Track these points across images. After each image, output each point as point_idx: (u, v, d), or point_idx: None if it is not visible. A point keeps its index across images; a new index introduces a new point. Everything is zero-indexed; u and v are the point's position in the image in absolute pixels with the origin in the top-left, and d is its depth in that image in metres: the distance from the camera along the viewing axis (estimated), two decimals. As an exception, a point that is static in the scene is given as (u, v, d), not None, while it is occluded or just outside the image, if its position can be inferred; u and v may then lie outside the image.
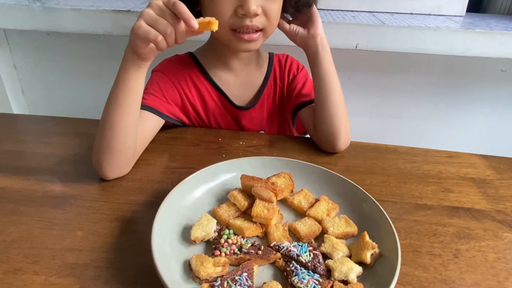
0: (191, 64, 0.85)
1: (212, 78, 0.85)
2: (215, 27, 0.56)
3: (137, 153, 0.70)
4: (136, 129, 0.66)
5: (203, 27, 0.56)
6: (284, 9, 0.78)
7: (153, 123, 0.76)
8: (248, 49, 0.77)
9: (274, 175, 0.63)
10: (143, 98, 0.77)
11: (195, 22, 0.54)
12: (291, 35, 0.81)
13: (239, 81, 0.87)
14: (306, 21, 0.78)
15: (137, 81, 0.62)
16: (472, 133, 1.36)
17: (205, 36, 0.78)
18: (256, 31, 0.73)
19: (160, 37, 0.55)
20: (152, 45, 0.57)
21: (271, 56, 0.92)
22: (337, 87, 0.78)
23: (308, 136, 0.97)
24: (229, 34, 0.73)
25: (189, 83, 0.83)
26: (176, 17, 0.54)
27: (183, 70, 0.83)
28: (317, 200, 0.60)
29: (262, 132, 0.92)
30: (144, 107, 0.75)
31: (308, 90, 0.88)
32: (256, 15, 0.70)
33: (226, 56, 0.83)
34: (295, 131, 0.99)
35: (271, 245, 0.51)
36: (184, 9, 0.54)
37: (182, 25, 0.55)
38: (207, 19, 0.56)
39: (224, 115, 0.88)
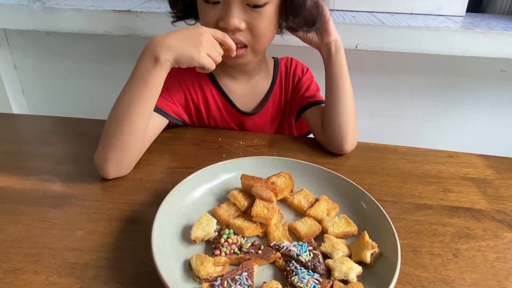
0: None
1: (219, 83, 0.85)
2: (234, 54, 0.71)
3: (141, 153, 0.71)
4: (148, 121, 0.68)
5: None
6: (282, 27, 0.77)
7: (157, 123, 0.76)
8: (236, 63, 0.77)
9: (274, 175, 0.63)
10: None
11: (234, 53, 0.70)
12: (305, 40, 0.81)
13: (245, 90, 0.87)
14: (319, 28, 0.78)
15: (163, 80, 0.66)
16: (472, 133, 1.36)
17: None
18: (242, 47, 0.72)
19: (213, 66, 0.66)
20: None
21: (276, 61, 0.91)
22: (348, 90, 0.78)
23: (308, 136, 0.97)
24: None
25: (195, 85, 0.83)
26: (221, 46, 0.67)
27: (190, 72, 0.81)
28: (317, 200, 0.60)
29: None
30: None
31: (312, 92, 0.88)
32: (238, 30, 0.69)
33: (229, 67, 0.83)
34: (295, 133, 0.98)
35: (271, 244, 0.51)
36: (231, 40, 0.68)
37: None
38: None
39: (227, 120, 0.88)
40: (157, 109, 0.75)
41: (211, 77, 0.85)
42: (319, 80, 0.90)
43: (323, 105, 0.84)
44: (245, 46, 0.73)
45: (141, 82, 0.64)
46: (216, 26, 0.70)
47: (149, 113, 0.67)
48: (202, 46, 0.63)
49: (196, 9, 0.75)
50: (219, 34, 0.66)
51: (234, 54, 0.69)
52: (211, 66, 0.65)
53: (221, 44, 0.67)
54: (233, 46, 0.68)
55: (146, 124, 0.67)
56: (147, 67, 0.63)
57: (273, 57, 0.93)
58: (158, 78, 0.64)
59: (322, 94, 0.88)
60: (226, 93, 0.85)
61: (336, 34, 0.78)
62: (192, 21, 0.82)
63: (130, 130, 0.64)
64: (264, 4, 0.68)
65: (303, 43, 0.82)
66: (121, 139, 0.64)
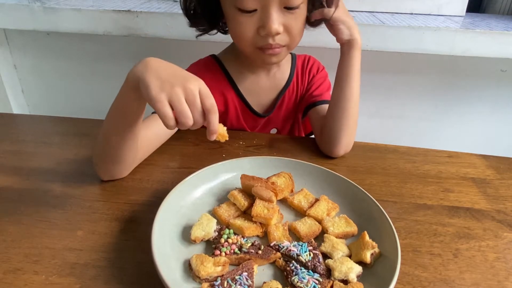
0: (218, 72, 0.84)
1: (238, 86, 0.85)
2: (223, 140, 0.55)
3: (139, 159, 0.70)
4: (136, 144, 0.64)
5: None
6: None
7: (166, 130, 0.74)
8: (272, 62, 0.77)
9: (274, 175, 0.63)
10: None
11: (214, 137, 0.52)
12: (331, 31, 0.79)
13: (264, 87, 0.87)
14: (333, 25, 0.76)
15: (139, 106, 0.57)
16: (472, 133, 1.36)
17: (228, 38, 0.78)
18: (278, 46, 0.72)
19: (172, 124, 0.49)
20: None
21: (293, 57, 0.91)
22: (351, 96, 0.76)
23: (308, 136, 0.97)
24: (254, 52, 0.73)
25: (215, 92, 0.81)
26: (203, 117, 0.50)
27: (211, 79, 0.77)
28: (317, 200, 0.60)
29: (274, 130, 0.92)
30: None
31: (321, 91, 0.88)
32: (278, 33, 0.69)
33: (252, 64, 0.83)
34: (302, 130, 0.98)
35: (271, 244, 0.51)
36: (216, 121, 0.51)
37: (202, 124, 0.52)
38: (221, 131, 0.54)
39: (241, 122, 0.88)
40: None
41: (230, 80, 0.84)
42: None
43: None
44: (283, 46, 0.72)
45: (115, 105, 0.59)
46: (255, 35, 0.70)
47: (125, 134, 0.60)
48: (171, 89, 0.48)
49: (218, 19, 0.75)
50: (208, 102, 0.50)
51: (211, 138, 0.52)
52: (165, 119, 0.49)
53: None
54: (214, 129, 0.51)
55: (130, 142, 0.61)
56: (121, 91, 0.57)
57: (290, 53, 0.91)
58: (121, 91, 0.57)
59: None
60: (244, 95, 0.85)
61: (348, 35, 0.75)
62: (213, 32, 0.81)
63: (110, 146, 0.61)
64: (299, 5, 0.68)
65: (312, 44, 0.81)
66: (104, 151, 0.63)
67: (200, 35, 0.81)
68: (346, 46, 0.76)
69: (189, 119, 0.49)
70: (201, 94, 0.50)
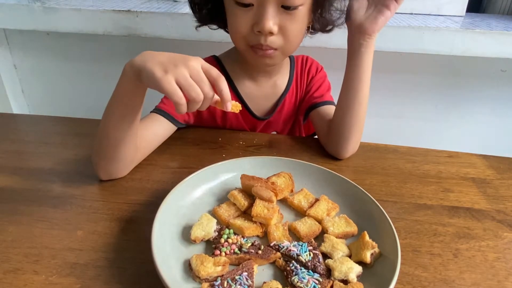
0: None
1: (238, 89, 0.84)
2: (237, 110, 0.57)
3: (138, 159, 0.70)
4: (135, 140, 0.64)
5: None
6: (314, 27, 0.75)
7: (166, 130, 0.75)
8: (266, 64, 0.76)
9: (274, 175, 0.63)
10: (161, 102, 0.77)
11: (230, 105, 0.53)
12: (351, 17, 0.70)
13: (264, 92, 0.86)
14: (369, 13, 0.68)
15: (137, 98, 0.58)
16: (472, 133, 1.36)
17: (228, 38, 0.77)
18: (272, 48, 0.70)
19: (183, 102, 0.50)
20: None
21: (291, 59, 0.90)
22: (363, 100, 0.74)
23: (308, 136, 0.97)
24: (246, 49, 0.72)
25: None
26: (213, 88, 0.52)
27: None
28: (317, 200, 0.60)
29: (274, 133, 0.92)
30: (160, 112, 0.75)
31: (322, 92, 0.87)
32: (271, 33, 0.67)
33: (252, 68, 0.82)
34: (303, 132, 0.98)
35: (271, 244, 0.51)
36: (227, 88, 0.52)
37: (212, 98, 0.53)
38: (234, 103, 0.55)
39: (241, 124, 0.88)
40: (168, 116, 0.75)
41: (230, 82, 0.83)
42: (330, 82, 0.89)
43: (330, 106, 0.83)
44: (275, 49, 0.71)
45: (114, 96, 0.59)
46: (249, 31, 0.69)
47: (124, 127, 0.60)
48: (174, 69, 0.50)
49: (221, 13, 0.75)
50: (214, 72, 0.52)
51: (228, 108, 0.53)
52: (176, 97, 0.49)
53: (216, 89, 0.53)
54: (228, 96, 0.53)
55: (129, 137, 0.62)
56: (119, 82, 0.58)
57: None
58: (120, 84, 0.57)
59: (333, 93, 0.88)
60: (244, 98, 0.84)
61: (377, 31, 0.69)
62: (214, 27, 0.81)
63: (108, 142, 0.62)
64: (298, 6, 0.66)
65: (311, 44, 0.80)
66: (103, 149, 0.63)
67: (200, 26, 0.80)
68: (366, 43, 0.69)
69: (199, 93, 0.50)
70: (204, 68, 0.52)
